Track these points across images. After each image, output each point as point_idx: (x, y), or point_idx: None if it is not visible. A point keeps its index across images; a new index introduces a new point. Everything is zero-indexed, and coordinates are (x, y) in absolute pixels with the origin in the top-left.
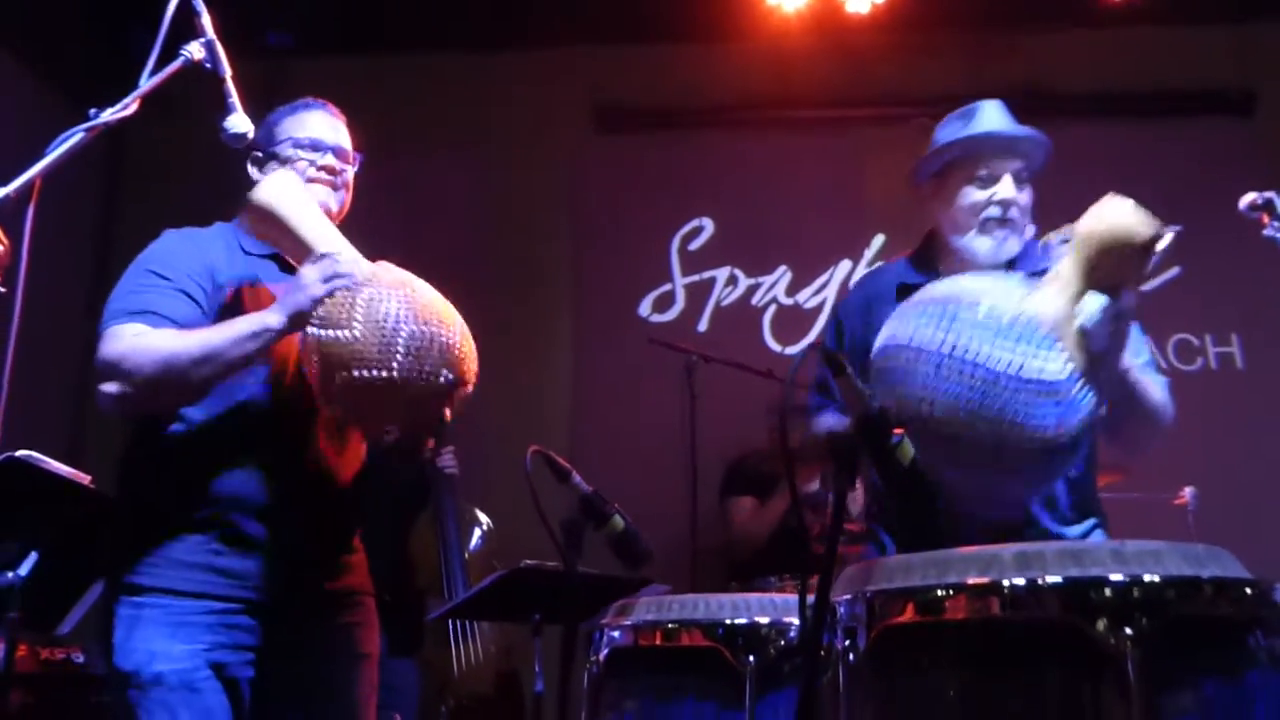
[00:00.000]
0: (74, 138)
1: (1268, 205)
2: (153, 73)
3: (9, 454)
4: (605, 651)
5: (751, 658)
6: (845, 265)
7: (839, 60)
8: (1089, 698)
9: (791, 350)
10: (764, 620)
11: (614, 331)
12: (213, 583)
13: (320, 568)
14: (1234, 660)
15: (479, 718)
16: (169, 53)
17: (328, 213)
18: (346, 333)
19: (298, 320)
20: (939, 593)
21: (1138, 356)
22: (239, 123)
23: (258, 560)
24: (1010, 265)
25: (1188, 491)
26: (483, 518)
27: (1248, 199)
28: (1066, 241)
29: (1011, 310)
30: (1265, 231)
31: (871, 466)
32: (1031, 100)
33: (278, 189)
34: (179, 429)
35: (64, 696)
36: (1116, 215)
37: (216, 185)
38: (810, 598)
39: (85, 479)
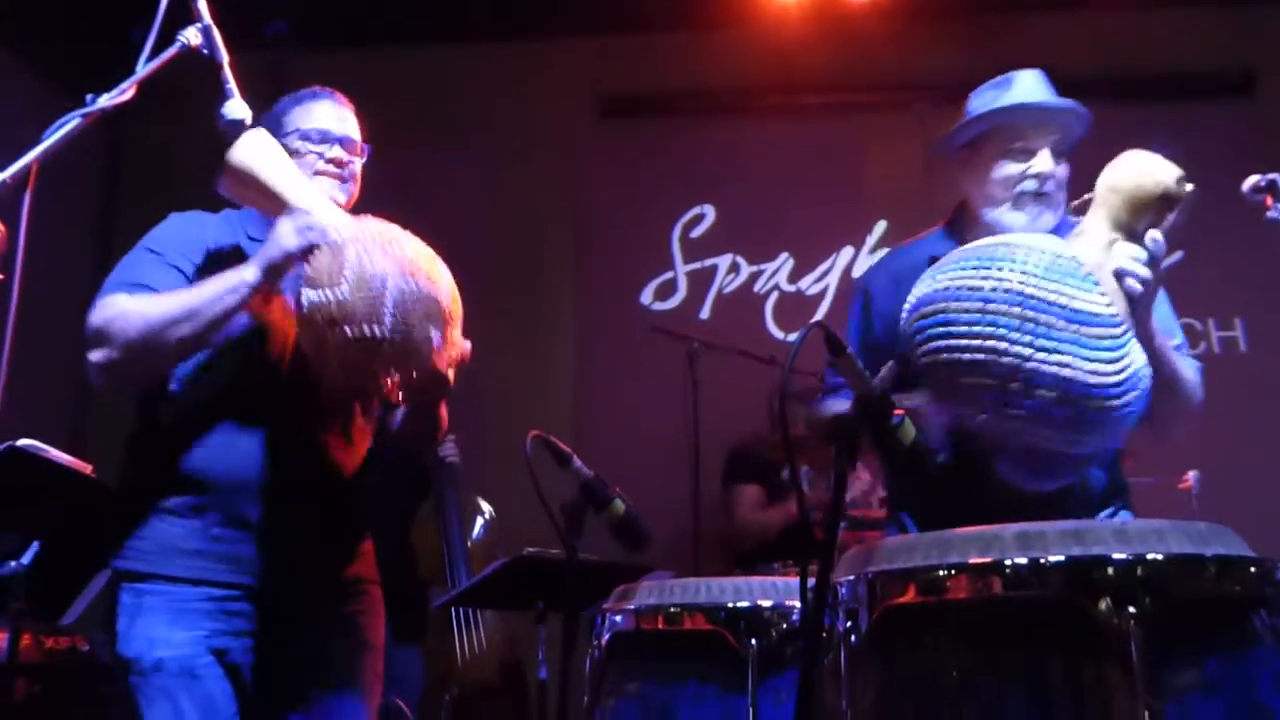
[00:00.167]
0: (71, 123)
1: (1270, 187)
2: (149, 59)
3: (10, 443)
4: (607, 636)
5: (754, 641)
6: (847, 252)
7: (840, 46)
8: (1092, 677)
9: (794, 338)
10: (766, 604)
11: (616, 319)
12: (211, 568)
13: (322, 554)
14: (1237, 639)
15: (482, 706)
16: (167, 40)
17: (345, 205)
18: (334, 291)
19: (271, 272)
20: (940, 573)
21: (1172, 338)
22: (237, 109)
23: (256, 545)
24: None
25: (1192, 475)
26: (485, 506)
27: (1250, 181)
28: (1086, 206)
29: (1050, 253)
30: (1268, 214)
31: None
32: None
33: (251, 149)
34: (177, 413)
35: (68, 686)
36: (1138, 165)
37: (217, 176)
38: (811, 580)
39: (86, 468)
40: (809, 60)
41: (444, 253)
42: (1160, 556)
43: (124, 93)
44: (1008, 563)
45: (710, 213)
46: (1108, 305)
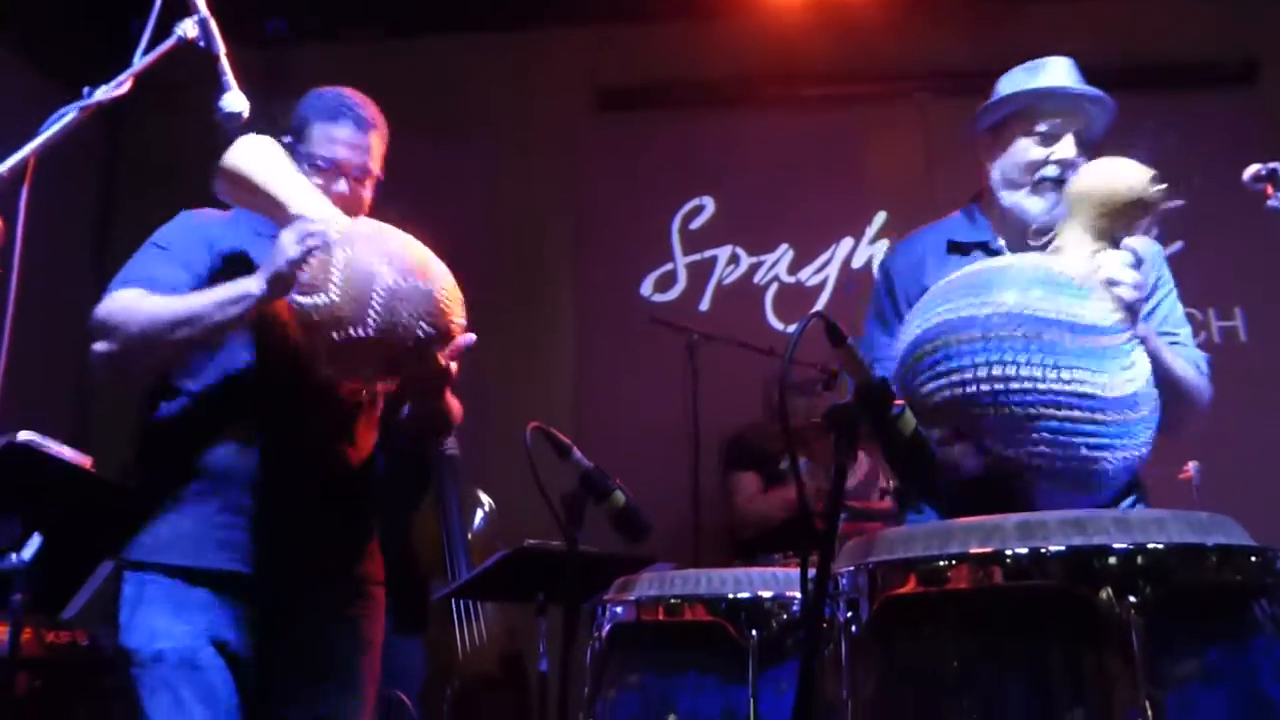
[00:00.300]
0: (67, 116)
1: (1271, 176)
2: (146, 52)
3: (10, 437)
4: (608, 627)
5: (754, 632)
6: (847, 243)
7: (840, 36)
8: (1093, 666)
9: (794, 329)
10: (767, 594)
11: (615, 311)
12: (210, 557)
13: (324, 549)
14: (1238, 628)
15: (483, 699)
16: (164, 33)
17: None
18: (324, 296)
19: (277, 285)
20: (941, 563)
21: (1177, 331)
22: (234, 101)
23: (256, 536)
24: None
25: (1192, 466)
26: (485, 499)
27: (1251, 170)
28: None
29: (1039, 269)
30: (1269, 203)
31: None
32: None
33: (247, 153)
34: (180, 405)
35: (70, 680)
36: (1108, 172)
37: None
38: (812, 571)
39: (87, 461)
40: (809, 50)
41: (442, 246)
42: (1161, 546)
43: (121, 86)
44: (1008, 552)
45: (710, 204)
46: (1109, 314)
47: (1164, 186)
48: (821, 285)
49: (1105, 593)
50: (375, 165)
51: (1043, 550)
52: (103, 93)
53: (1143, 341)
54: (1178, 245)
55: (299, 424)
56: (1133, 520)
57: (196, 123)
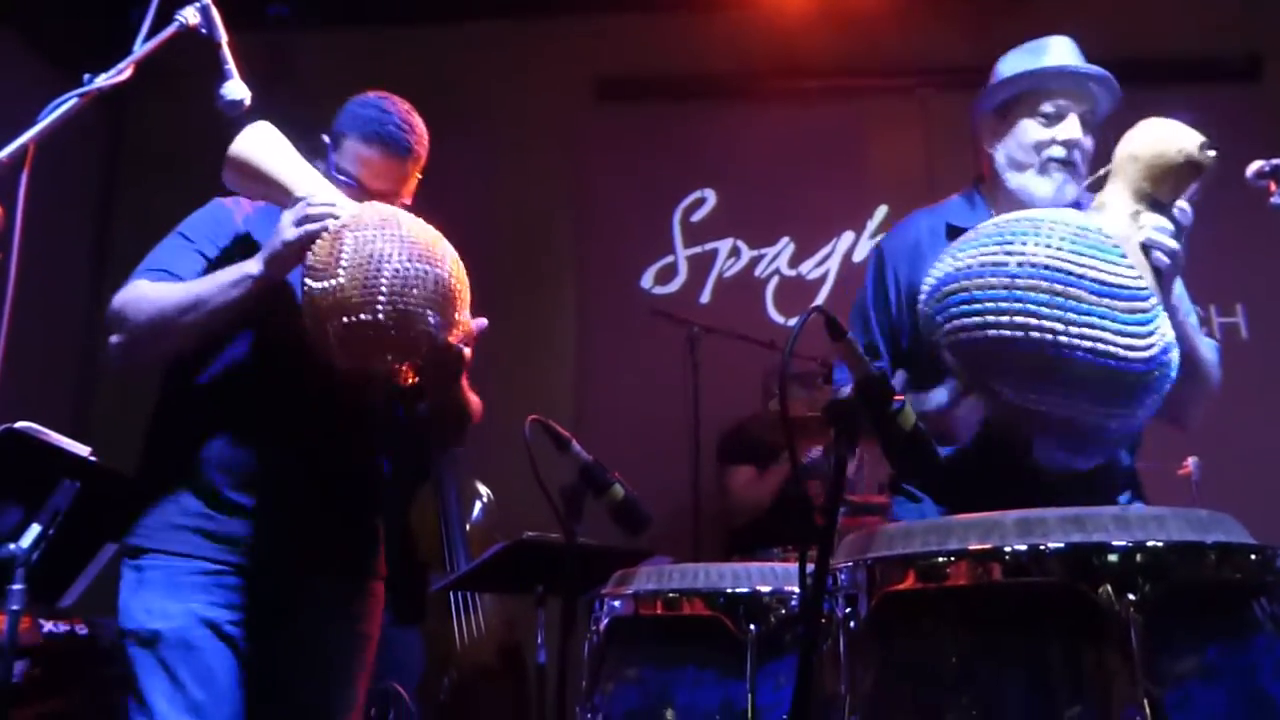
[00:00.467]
0: (68, 103)
1: (1274, 173)
2: (147, 39)
3: (8, 425)
4: (606, 621)
5: (753, 626)
6: (848, 236)
7: (842, 30)
8: (1092, 663)
9: (794, 322)
10: (765, 589)
11: (616, 303)
12: (204, 546)
13: (323, 544)
14: (1238, 626)
15: (481, 690)
16: (165, 20)
17: None
18: (332, 281)
19: (275, 265)
20: (940, 559)
21: (1189, 316)
22: (235, 89)
23: (247, 526)
24: None
25: (1191, 461)
26: (483, 490)
27: (1255, 167)
28: (1103, 181)
29: (1075, 225)
30: (1272, 199)
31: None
32: None
33: (252, 141)
34: (186, 396)
35: (67, 668)
36: (1159, 132)
37: (218, 158)
38: (810, 566)
39: (85, 450)
40: (811, 43)
41: (444, 235)
42: (1161, 543)
43: (121, 73)
44: (1008, 549)
45: (711, 197)
46: (1136, 278)
47: (1214, 152)
48: (822, 279)
49: (1105, 590)
50: (403, 192)
51: (1042, 547)
52: (103, 80)
53: (1174, 311)
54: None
55: (302, 419)
56: (1132, 518)
57: (198, 110)
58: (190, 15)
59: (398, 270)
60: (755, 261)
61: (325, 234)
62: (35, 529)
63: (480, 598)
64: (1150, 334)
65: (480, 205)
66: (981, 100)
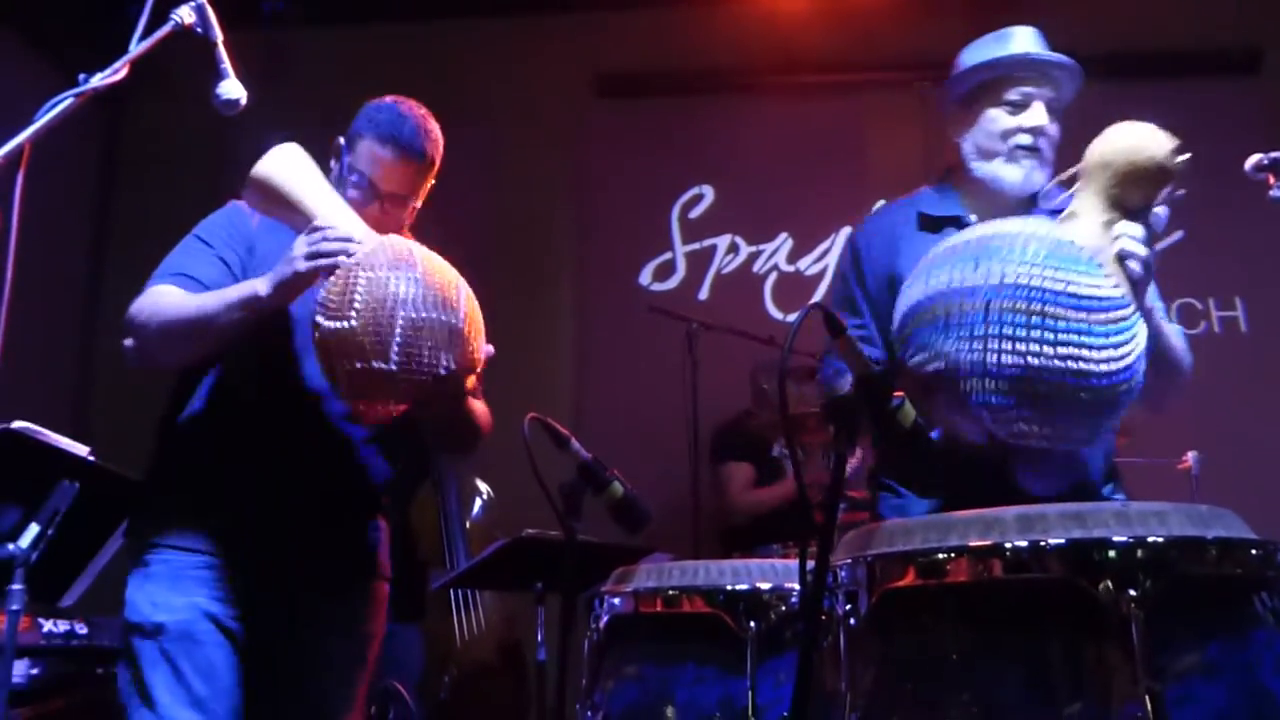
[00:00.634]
0: (63, 103)
1: (1274, 166)
2: (142, 37)
3: (5, 425)
4: (606, 618)
5: (753, 623)
6: (847, 232)
7: (841, 25)
8: (1092, 659)
9: (793, 319)
10: (765, 586)
11: (615, 300)
12: (208, 541)
13: (329, 544)
14: (1239, 621)
15: (481, 687)
16: (161, 18)
17: None
18: (345, 323)
19: (281, 292)
20: (940, 556)
21: (1155, 303)
22: (231, 89)
23: (251, 524)
24: (1031, 202)
25: (1191, 456)
26: (483, 487)
27: (1254, 160)
28: (1075, 178)
29: (1049, 239)
30: (1271, 193)
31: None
32: None
33: (277, 163)
34: (195, 402)
35: (67, 669)
36: (1130, 138)
37: (215, 156)
38: (810, 563)
39: (83, 450)
40: (809, 39)
41: (442, 233)
42: (1161, 539)
43: (117, 72)
44: (1008, 545)
45: (709, 193)
46: (1115, 287)
47: (1186, 156)
48: (821, 275)
49: (1105, 586)
50: (414, 195)
51: (1042, 543)
52: (98, 79)
53: (1146, 316)
54: (1178, 235)
55: (308, 421)
56: (1133, 513)
57: (196, 109)
58: (185, 14)
59: (412, 319)
60: (754, 258)
61: (340, 269)
62: (34, 529)
63: (480, 595)
64: (1127, 342)
65: (479, 201)
66: (948, 90)
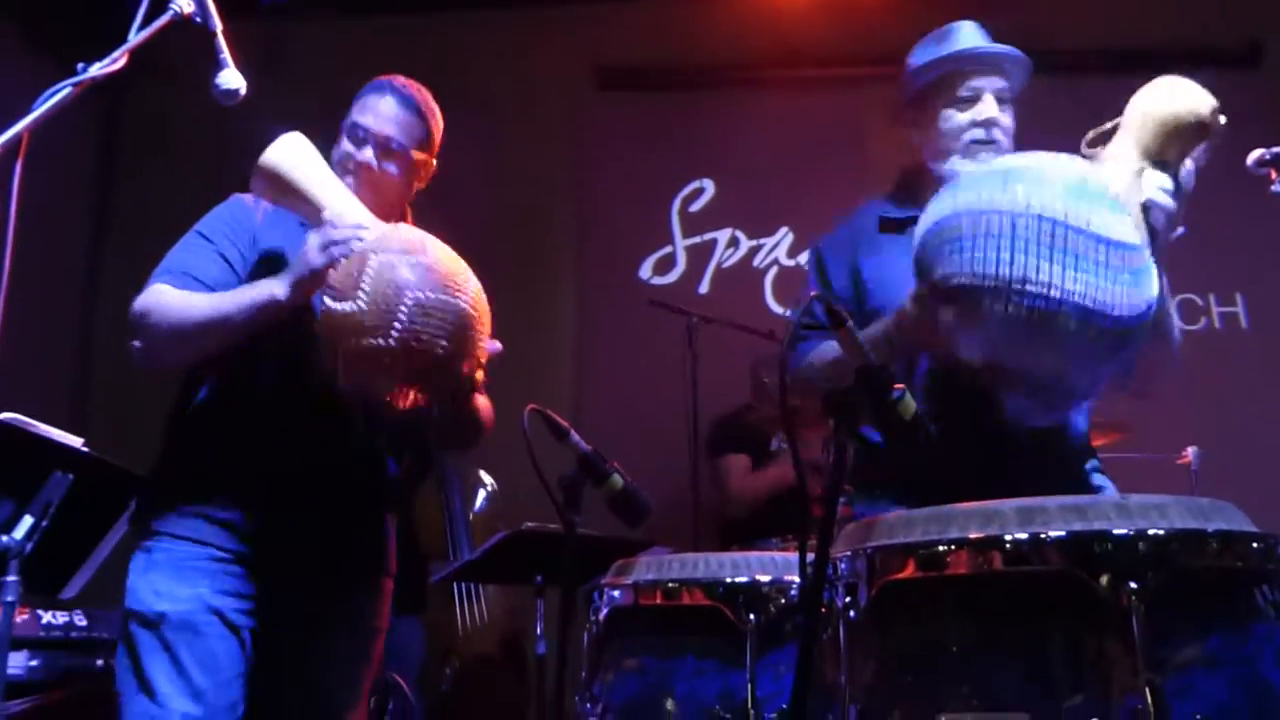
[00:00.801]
0: (62, 92)
1: (1275, 161)
2: (141, 27)
3: None
4: (605, 611)
5: (752, 616)
6: None
7: (841, 19)
8: (1093, 652)
9: (793, 313)
10: (765, 578)
11: (615, 293)
12: (215, 534)
13: (330, 535)
14: (1239, 614)
15: (483, 679)
16: (160, 8)
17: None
18: (352, 304)
19: (299, 289)
20: (940, 548)
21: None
22: (230, 79)
23: (258, 518)
24: None
25: (1191, 451)
26: (487, 480)
27: (1255, 155)
28: (1113, 131)
29: (1077, 174)
30: (1274, 188)
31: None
32: (1034, 56)
33: (283, 152)
34: (202, 395)
35: (67, 661)
36: (1176, 91)
37: (215, 147)
38: (810, 555)
39: (77, 441)
40: (810, 32)
41: (443, 226)
42: (1162, 532)
43: (115, 61)
44: (1008, 538)
45: (710, 187)
46: (1135, 230)
47: (1224, 118)
48: None
49: (1105, 579)
50: (405, 139)
51: (1043, 535)
52: (97, 69)
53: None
54: (1179, 230)
55: (315, 418)
56: (1133, 506)
57: (196, 100)
58: (184, 3)
59: (418, 299)
60: (754, 252)
61: (351, 256)
62: (28, 521)
63: (483, 587)
64: (1142, 289)
65: (480, 194)
66: (900, 94)
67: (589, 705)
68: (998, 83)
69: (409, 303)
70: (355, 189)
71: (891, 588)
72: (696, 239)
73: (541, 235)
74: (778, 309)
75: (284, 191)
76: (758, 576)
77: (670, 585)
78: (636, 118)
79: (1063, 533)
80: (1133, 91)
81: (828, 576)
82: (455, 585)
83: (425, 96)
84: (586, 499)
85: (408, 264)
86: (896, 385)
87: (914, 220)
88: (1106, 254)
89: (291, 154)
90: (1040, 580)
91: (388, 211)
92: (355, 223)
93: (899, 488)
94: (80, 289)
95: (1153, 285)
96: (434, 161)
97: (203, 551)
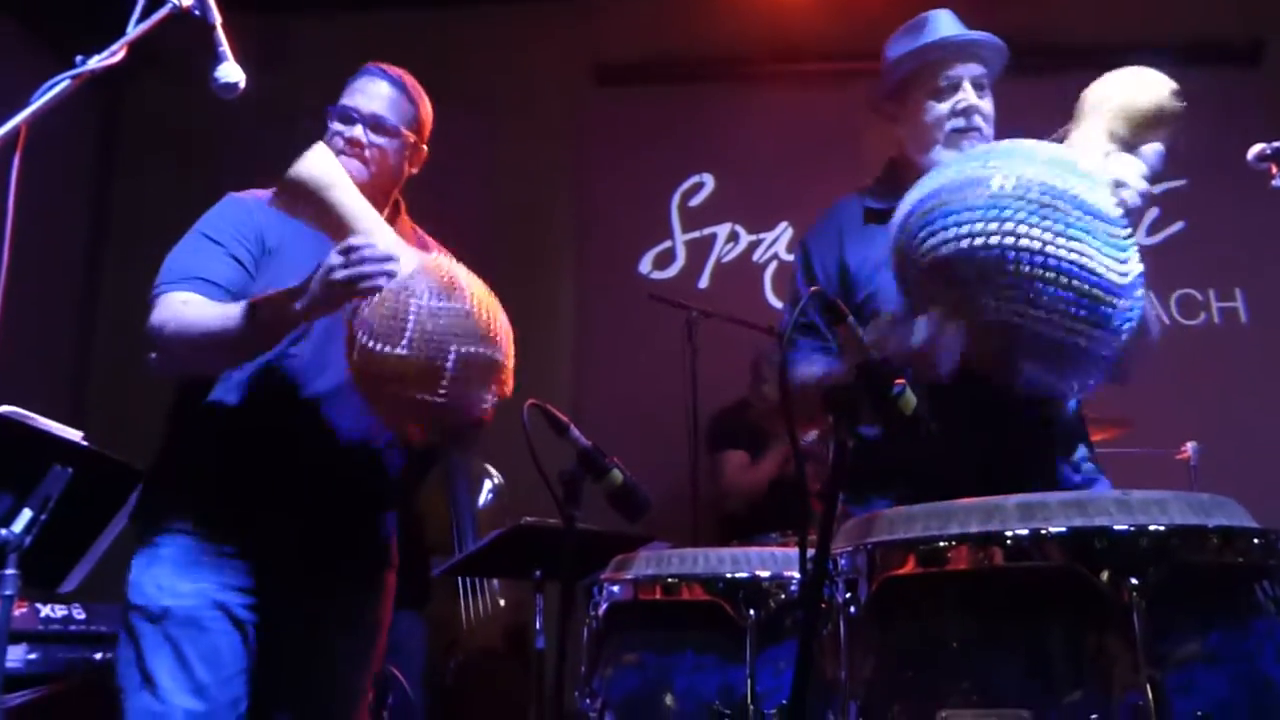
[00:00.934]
0: (60, 85)
1: (1276, 156)
2: (140, 20)
3: None
4: (605, 606)
5: (752, 611)
6: None
7: (841, 13)
8: (1093, 648)
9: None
10: (764, 574)
11: (614, 288)
12: (218, 528)
13: (334, 529)
14: (1240, 610)
15: (486, 672)
16: (159, 2)
17: (359, 185)
18: (394, 350)
19: (318, 310)
20: (941, 544)
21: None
22: (230, 72)
23: (262, 512)
24: None
25: (1190, 446)
26: (494, 473)
27: (1256, 150)
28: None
29: (1054, 151)
30: (1273, 183)
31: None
32: (1035, 51)
33: (314, 165)
34: (207, 384)
35: (65, 654)
36: (1132, 79)
37: (215, 141)
38: (810, 550)
39: (76, 435)
40: (810, 27)
41: (442, 221)
42: (1163, 527)
43: (114, 55)
44: (1009, 533)
45: (709, 181)
46: (1115, 206)
47: (1184, 103)
48: None
49: (1106, 574)
50: (395, 118)
51: (1043, 531)
52: (95, 62)
53: None
54: (1179, 225)
55: (319, 412)
56: (1134, 501)
57: (197, 92)
58: None
59: (463, 355)
60: (754, 246)
61: (388, 297)
62: (27, 514)
63: (489, 580)
64: (1127, 260)
65: (479, 188)
66: (878, 89)
67: (588, 700)
68: (975, 69)
69: (454, 357)
70: (345, 166)
71: (892, 583)
72: (696, 234)
73: (541, 230)
74: (777, 303)
75: (311, 207)
76: (757, 572)
77: (670, 580)
78: (636, 112)
79: (1063, 528)
80: None
81: (828, 572)
82: (461, 578)
83: (413, 81)
84: (586, 494)
85: (449, 313)
86: (897, 380)
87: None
88: (1093, 220)
89: (323, 168)
90: (1041, 576)
91: (381, 194)
92: (385, 253)
93: (892, 485)
94: (79, 282)
95: (1132, 261)
96: (425, 147)
97: (209, 547)
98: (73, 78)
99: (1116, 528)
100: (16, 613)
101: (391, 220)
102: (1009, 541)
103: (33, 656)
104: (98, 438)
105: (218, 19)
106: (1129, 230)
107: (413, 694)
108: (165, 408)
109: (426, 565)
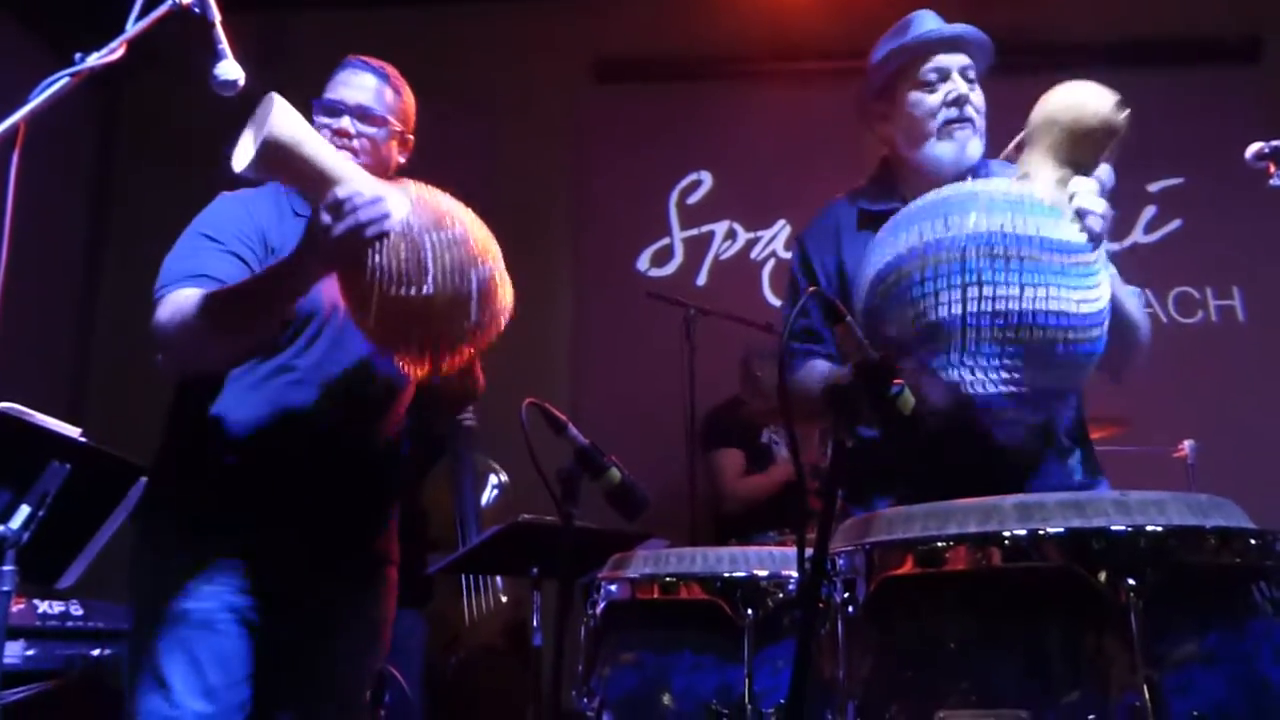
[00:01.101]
0: (59, 83)
1: (1274, 155)
2: (139, 17)
3: None
4: (603, 605)
5: (750, 611)
6: None
7: (840, 12)
8: (1091, 648)
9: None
10: (762, 573)
11: (612, 285)
12: (228, 531)
13: (338, 525)
14: (1237, 610)
15: (487, 669)
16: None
17: None
18: (420, 291)
19: (318, 273)
20: (939, 544)
21: (1109, 268)
22: (229, 70)
23: (266, 510)
24: (972, 175)
25: (1187, 444)
26: (500, 471)
27: (1254, 148)
28: (1022, 146)
29: (1010, 192)
30: (1271, 181)
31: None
32: (1031, 50)
33: (286, 121)
34: (213, 384)
35: (62, 650)
36: (1072, 96)
37: (214, 138)
38: (809, 550)
39: (74, 431)
40: (809, 26)
41: None
42: (1160, 528)
43: (113, 52)
44: (1007, 534)
45: (707, 179)
46: (1080, 233)
47: (1128, 112)
48: None
49: (1104, 575)
50: (381, 107)
51: (1041, 532)
52: (94, 59)
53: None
54: (1176, 223)
55: (324, 406)
56: (1132, 502)
57: (196, 89)
58: None
59: (480, 275)
60: (752, 244)
61: (395, 237)
62: (25, 510)
63: (491, 577)
64: (1097, 287)
65: (477, 184)
66: (865, 90)
67: (586, 699)
68: (962, 60)
69: (475, 282)
70: None
71: (890, 583)
72: (694, 231)
73: (539, 227)
74: (775, 301)
75: (292, 164)
76: (755, 571)
77: (668, 580)
78: (634, 110)
79: (1061, 529)
80: (1132, 87)
81: (826, 572)
82: (463, 575)
83: (395, 71)
84: (584, 492)
85: (455, 241)
86: (896, 380)
87: (894, 211)
88: (1062, 257)
89: (294, 123)
90: (1039, 576)
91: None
92: (373, 197)
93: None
94: (78, 279)
95: (1106, 285)
96: (411, 137)
97: (215, 549)
98: (72, 75)
99: (1114, 528)
100: (14, 609)
101: None
102: (1007, 542)
103: (30, 652)
104: (96, 433)
105: (217, 16)
106: (1096, 255)
107: (411, 693)
108: (164, 406)
109: (426, 565)
